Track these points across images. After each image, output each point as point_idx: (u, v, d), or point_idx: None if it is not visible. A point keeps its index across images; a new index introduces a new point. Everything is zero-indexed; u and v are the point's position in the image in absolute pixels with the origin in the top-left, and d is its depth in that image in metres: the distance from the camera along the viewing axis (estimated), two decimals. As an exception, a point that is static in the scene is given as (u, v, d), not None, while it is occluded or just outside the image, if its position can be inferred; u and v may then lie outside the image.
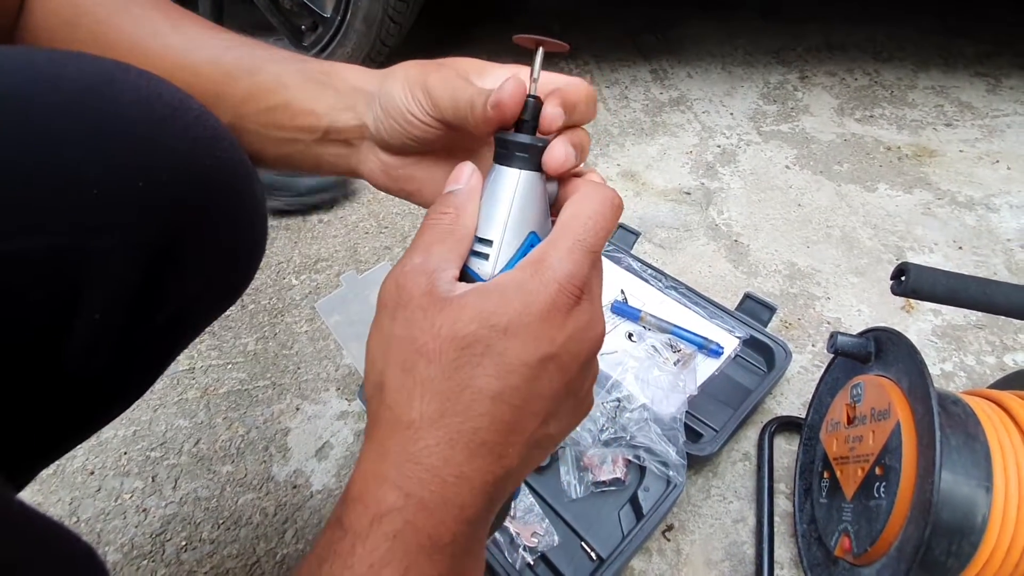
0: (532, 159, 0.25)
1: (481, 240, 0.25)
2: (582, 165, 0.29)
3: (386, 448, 0.22)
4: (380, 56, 1.17)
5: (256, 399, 0.75)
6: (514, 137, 0.25)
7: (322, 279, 0.91)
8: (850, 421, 0.49)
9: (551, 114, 0.25)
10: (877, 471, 0.42)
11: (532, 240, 0.26)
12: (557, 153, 0.25)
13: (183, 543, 0.61)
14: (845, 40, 1.41)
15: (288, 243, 0.98)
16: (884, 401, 0.44)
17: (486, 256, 0.25)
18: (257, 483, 0.66)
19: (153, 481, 0.67)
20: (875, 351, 0.49)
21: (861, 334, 0.50)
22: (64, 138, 0.26)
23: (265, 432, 0.71)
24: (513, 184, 0.25)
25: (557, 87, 0.27)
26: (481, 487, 0.22)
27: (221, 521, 0.63)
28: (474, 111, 0.26)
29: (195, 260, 0.32)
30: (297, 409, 0.73)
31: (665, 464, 0.58)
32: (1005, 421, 0.41)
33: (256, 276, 0.98)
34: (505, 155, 0.25)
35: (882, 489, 0.41)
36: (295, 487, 0.66)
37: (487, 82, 0.29)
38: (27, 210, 0.25)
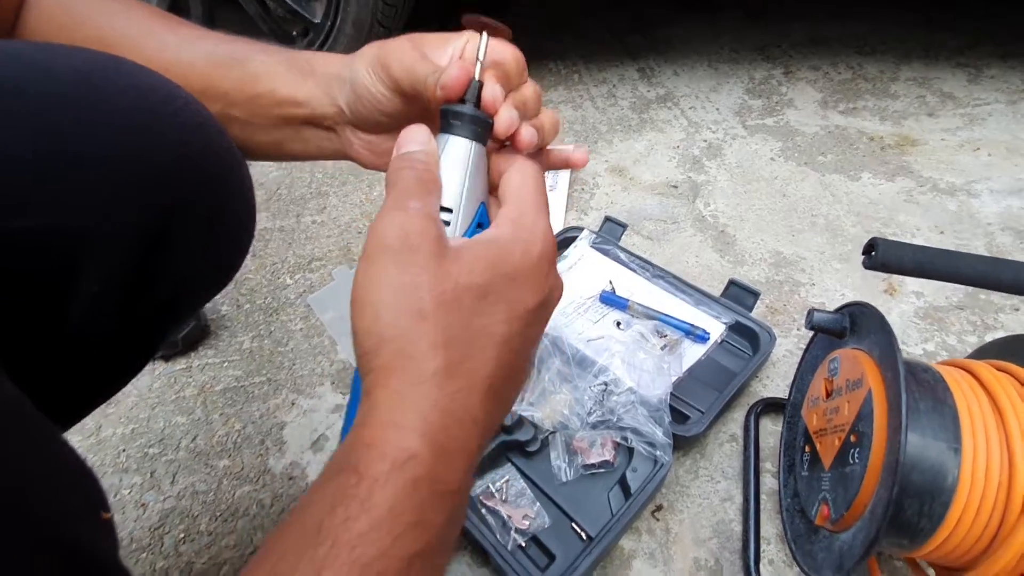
0: (481, 132, 0.27)
1: (442, 208, 0.27)
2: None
3: (405, 396, 0.22)
4: (370, 60, 1.19)
5: (252, 395, 0.76)
6: (466, 109, 0.27)
7: (316, 278, 0.92)
8: (828, 395, 0.50)
9: (493, 93, 0.27)
10: (852, 438, 0.44)
11: (482, 210, 0.28)
12: (503, 117, 0.27)
13: (181, 535, 0.62)
14: (829, 35, 1.43)
15: (282, 243, 0.99)
16: (858, 371, 0.45)
17: (447, 223, 0.27)
18: (254, 476, 0.67)
19: (151, 476, 0.68)
20: (850, 326, 0.50)
21: (836, 310, 0.52)
22: (59, 126, 0.28)
23: (261, 427, 0.72)
24: (467, 154, 0.27)
25: (493, 60, 0.29)
26: (488, 431, 0.23)
27: (219, 513, 0.64)
28: (426, 88, 0.29)
29: (187, 241, 0.33)
30: (292, 404, 0.75)
31: (652, 445, 0.59)
32: (975, 387, 0.43)
33: (251, 276, 0.99)
34: (458, 126, 0.27)
35: (856, 455, 0.42)
36: (291, 479, 0.67)
37: (445, 52, 0.31)
38: (28, 193, 0.27)
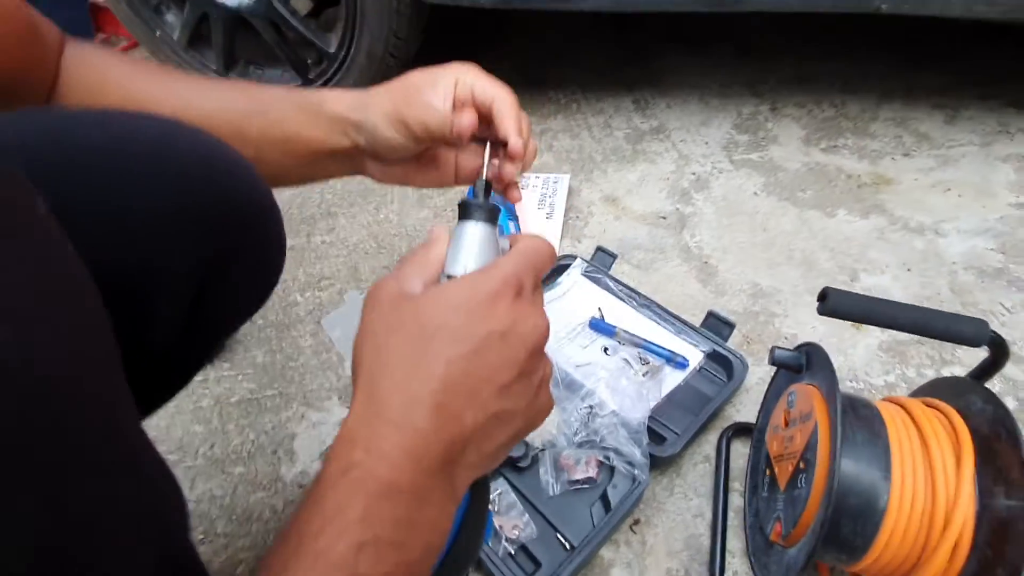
0: (485, 215, 0.34)
1: (448, 276, 0.33)
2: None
3: (359, 414, 0.27)
4: (380, 88, 1.26)
5: (265, 407, 0.82)
6: (471, 200, 0.34)
7: (325, 296, 0.98)
8: (786, 424, 0.56)
9: (509, 172, 0.38)
10: (801, 465, 0.50)
11: None
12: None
13: (200, 537, 0.68)
14: (815, 73, 1.50)
15: (293, 263, 1.05)
16: (808, 405, 0.51)
17: None
18: (267, 483, 0.73)
19: (172, 481, 0.73)
20: (806, 363, 0.57)
21: (795, 348, 0.58)
22: (142, 182, 0.34)
23: (274, 437, 0.78)
24: (471, 232, 0.33)
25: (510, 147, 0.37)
26: (437, 443, 0.27)
27: (234, 517, 0.70)
28: (443, 135, 0.39)
29: (236, 273, 0.40)
30: (303, 416, 0.80)
31: (631, 464, 0.65)
32: (907, 422, 0.49)
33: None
34: (465, 214, 0.34)
35: (803, 480, 0.49)
36: (301, 486, 0.73)
37: (438, 92, 0.39)
38: (120, 235, 0.33)
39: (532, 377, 0.30)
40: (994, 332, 0.49)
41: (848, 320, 0.52)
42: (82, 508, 0.20)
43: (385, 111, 0.40)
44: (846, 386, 0.79)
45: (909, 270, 0.95)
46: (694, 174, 1.20)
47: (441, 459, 0.27)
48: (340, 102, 0.43)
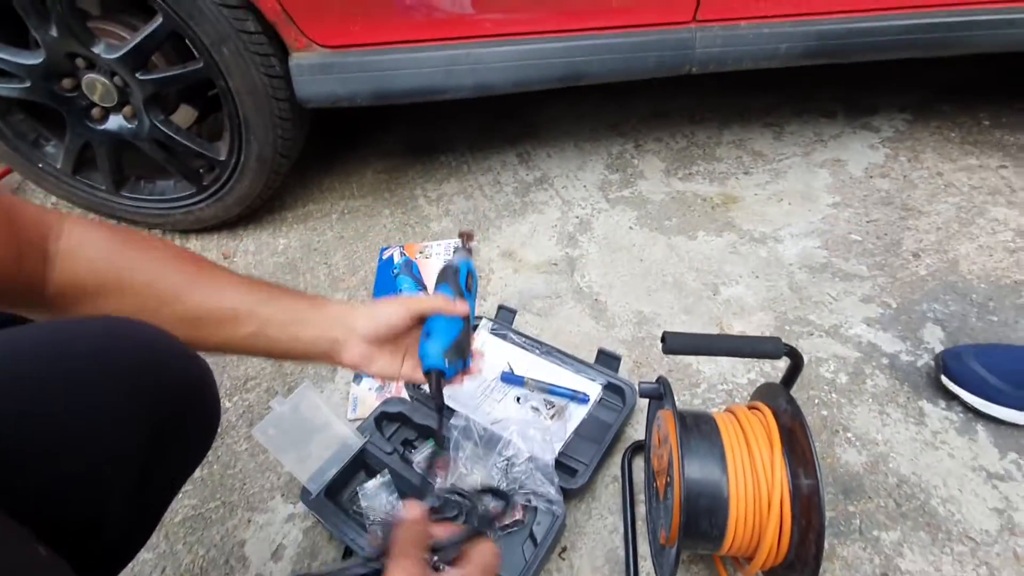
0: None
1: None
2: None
3: None
4: (274, 184, 1.33)
5: (210, 520, 0.86)
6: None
7: (253, 398, 1.03)
8: (659, 443, 0.69)
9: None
10: (667, 480, 0.62)
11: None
12: None
13: (165, 663, 0.71)
14: (667, 108, 1.72)
15: (216, 368, 1.09)
16: (667, 428, 0.64)
17: None
18: (223, 594, 0.77)
19: (127, 615, 0.76)
20: (664, 392, 0.70)
21: (655, 380, 0.71)
22: (83, 400, 0.40)
23: (223, 548, 0.82)
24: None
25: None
26: None
27: (196, 635, 0.73)
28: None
29: (178, 450, 0.47)
30: (249, 521, 0.85)
31: (550, 501, 0.76)
32: (736, 427, 0.63)
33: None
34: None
35: (670, 491, 0.61)
36: (257, 590, 0.77)
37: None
38: (68, 449, 0.39)
39: None
40: (787, 345, 0.64)
41: (684, 355, 0.66)
42: None
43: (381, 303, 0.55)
44: (717, 389, 0.95)
45: (757, 277, 1.14)
46: (577, 217, 1.35)
47: None
48: (338, 307, 0.56)
